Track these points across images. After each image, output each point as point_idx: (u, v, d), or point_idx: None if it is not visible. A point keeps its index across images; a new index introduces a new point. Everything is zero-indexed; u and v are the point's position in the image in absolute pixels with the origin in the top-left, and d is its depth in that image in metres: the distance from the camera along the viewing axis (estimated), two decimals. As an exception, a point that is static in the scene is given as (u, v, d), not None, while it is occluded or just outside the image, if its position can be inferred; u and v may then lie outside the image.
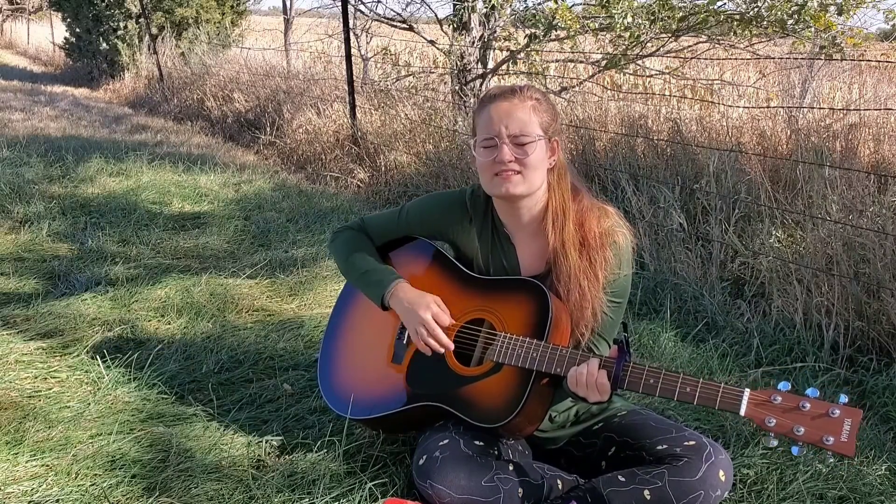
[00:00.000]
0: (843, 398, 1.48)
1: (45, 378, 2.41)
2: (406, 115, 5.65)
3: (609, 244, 1.78)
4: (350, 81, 5.85)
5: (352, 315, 2.05)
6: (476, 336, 1.83)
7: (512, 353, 1.73)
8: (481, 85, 5.52)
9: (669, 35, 4.45)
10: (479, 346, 1.82)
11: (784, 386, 1.52)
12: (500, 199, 1.85)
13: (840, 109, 4.43)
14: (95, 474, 1.91)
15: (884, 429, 2.30)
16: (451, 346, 1.82)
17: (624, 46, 4.53)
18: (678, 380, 1.59)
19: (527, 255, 1.87)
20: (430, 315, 1.82)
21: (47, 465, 1.93)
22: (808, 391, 1.50)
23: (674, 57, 5.08)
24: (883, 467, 2.03)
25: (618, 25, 4.17)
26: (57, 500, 1.81)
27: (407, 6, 6.18)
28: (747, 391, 1.53)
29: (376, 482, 1.87)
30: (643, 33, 4.27)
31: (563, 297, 1.77)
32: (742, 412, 1.52)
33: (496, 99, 1.77)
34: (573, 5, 4.70)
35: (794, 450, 1.48)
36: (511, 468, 1.74)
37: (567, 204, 1.80)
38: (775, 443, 1.50)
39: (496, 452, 1.79)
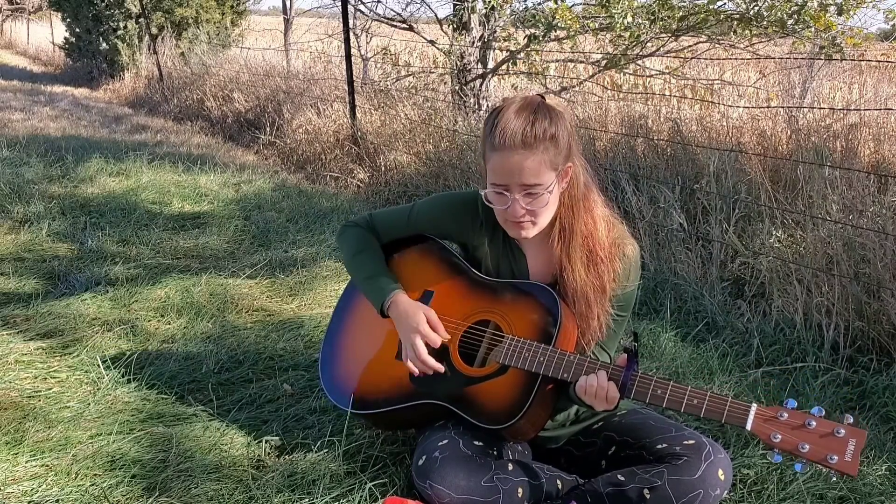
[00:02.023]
0: (849, 418, 1.49)
1: (45, 378, 2.41)
2: (406, 115, 5.65)
3: (619, 255, 1.76)
4: (350, 81, 5.85)
5: (357, 310, 2.05)
6: (482, 337, 1.83)
7: (518, 355, 1.72)
8: (481, 85, 5.52)
9: (669, 35, 4.45)
10: (484, 346, 1.82)
11: (791, 403, 1.53)
12: None
13: (840, 109, 4.43)
14: (95, 474, 1.91)
15: (884, 429, 2.30)
16: (441, 370, 1.80)
17: (624, 46, 4.53)
18: (686, 392, 1.59)
19: (535, 264, 1.86)
20: (419, 339, 1.80)
21: (47, 465, 1.93)
22: (814, 410, 1.52)
23: (674, 57, 5.08)
24: (883, 467, 2.03)
25: (618, 25, 4.16)
26: (57, 500, 1.81)
27: (407, 6, 6.19)
28: (754, 406, 1.54)
29: (376, 482, 1.87)
30: (643, 33, 4.27)
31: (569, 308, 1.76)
32: (748, 427, 1.52)
33: (508, 150, 1.64)
34: (573, 5, 4.70)
35: (798, 467, 1.49)
36: (510, 468, 1.74)
37: (576, 215, 1.75)
38: (779, 459, 1.51)
39: (495, 452, 1.79)
